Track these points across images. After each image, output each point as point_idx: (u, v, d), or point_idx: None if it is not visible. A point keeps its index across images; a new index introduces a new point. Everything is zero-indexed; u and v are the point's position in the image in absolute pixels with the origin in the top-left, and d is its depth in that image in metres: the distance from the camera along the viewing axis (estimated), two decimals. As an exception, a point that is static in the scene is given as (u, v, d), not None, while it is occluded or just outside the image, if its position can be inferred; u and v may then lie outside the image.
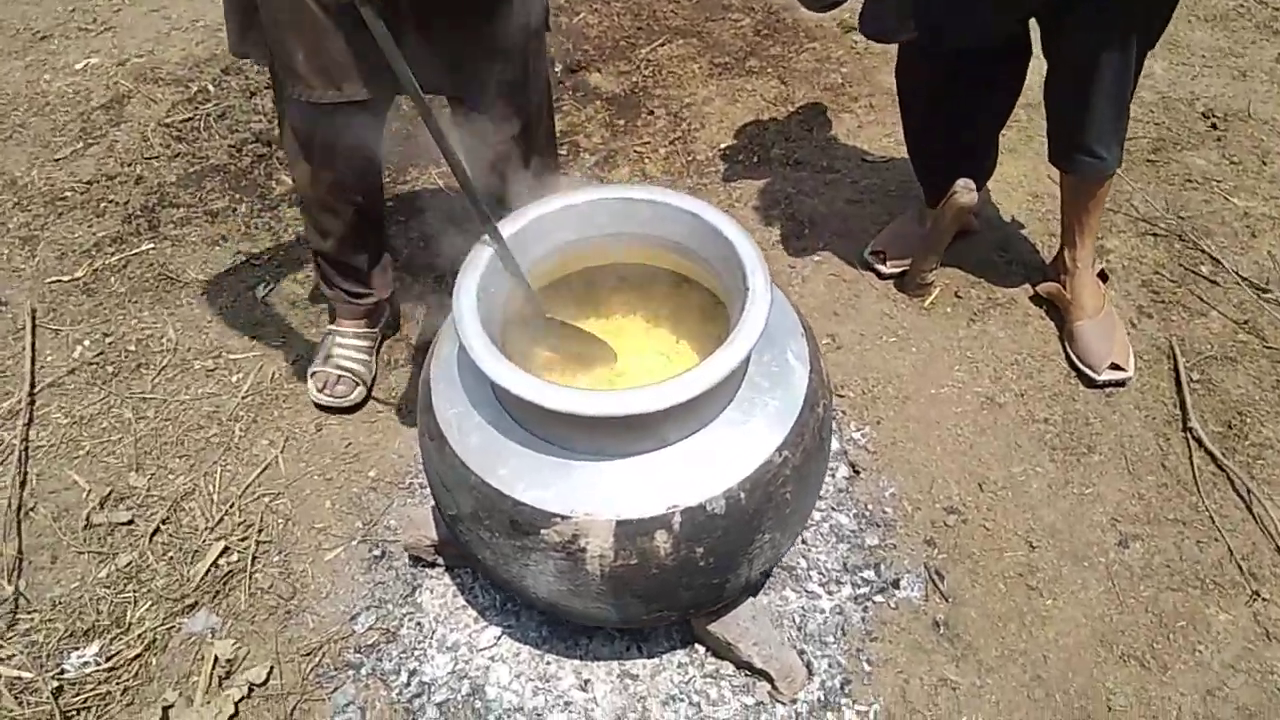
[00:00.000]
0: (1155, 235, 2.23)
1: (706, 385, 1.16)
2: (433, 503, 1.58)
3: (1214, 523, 1.70)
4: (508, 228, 1.36)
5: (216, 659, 1.59)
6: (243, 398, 2.01)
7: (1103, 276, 2.03)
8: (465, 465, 1.29)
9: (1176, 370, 1.93)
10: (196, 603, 1.68)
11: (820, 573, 1.67)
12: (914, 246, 2.13)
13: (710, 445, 1.26)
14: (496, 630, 1.61)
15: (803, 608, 1.63)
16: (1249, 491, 1.73)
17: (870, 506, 1.77)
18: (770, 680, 1.51)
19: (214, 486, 1.85)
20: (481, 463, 1.28)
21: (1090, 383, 1.92)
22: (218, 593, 1.69)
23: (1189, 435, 1.83)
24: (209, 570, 1.72)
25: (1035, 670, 1.54)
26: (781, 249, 2.28)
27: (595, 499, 1.23)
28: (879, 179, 2.45)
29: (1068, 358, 1.97)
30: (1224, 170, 2.37)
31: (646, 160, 2.60)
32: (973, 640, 1.59)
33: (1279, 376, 1.92)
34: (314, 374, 1.98)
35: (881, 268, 2.16)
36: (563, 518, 1.23)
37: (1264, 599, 1.60)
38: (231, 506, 1.82)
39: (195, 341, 2.15)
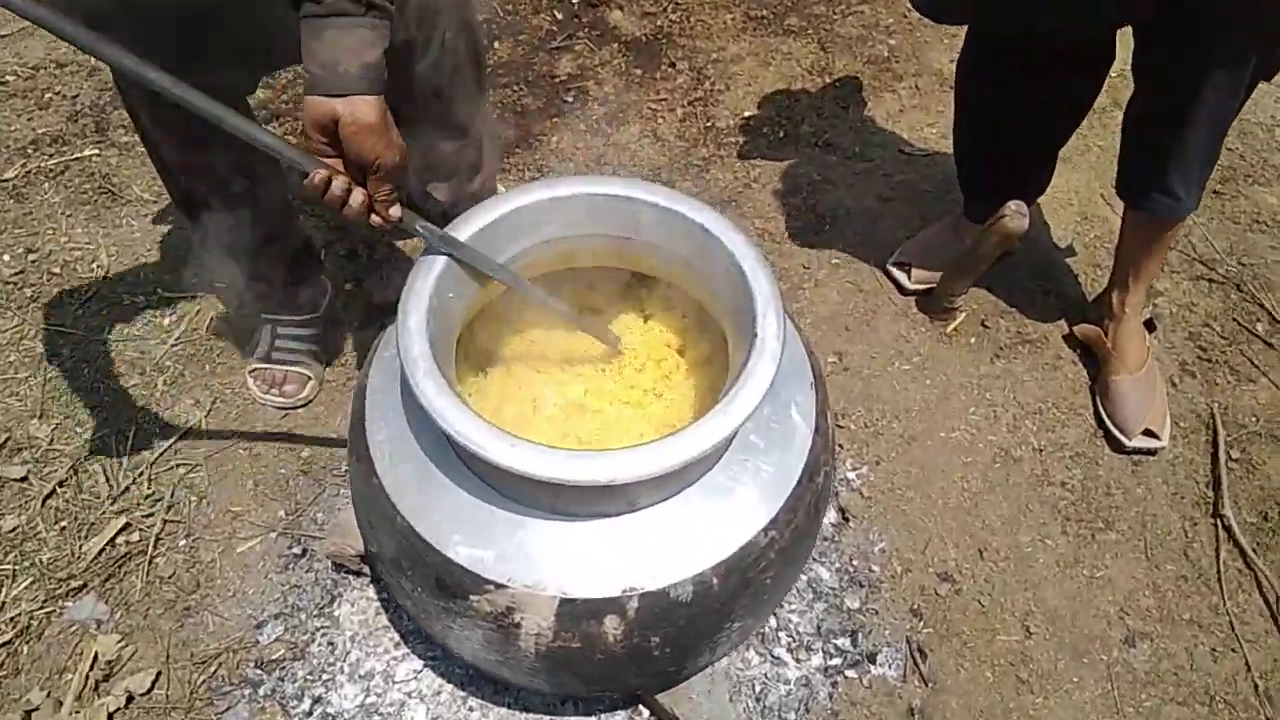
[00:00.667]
0: (1211, 281, 2.00)
1: (695, 454, 0.94)
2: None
3: (1233, 630, 1.52)
4: (477, 220, 1.12)
5: (97, 657, 1.40)
6: (172, 345, 1.78)
7: (1149, 325, 1.81)
8: (391, 503, 1.08)
9: (1215, 445, 1.73)
10: (84, 585, 1.48)
11: (791, 635, 1.48)
12: (944, 262, 1.89)
13: (685, 516, 1.05)
14: (418, 662, 1.42)
15: (765, 675, 1.44)
16: (1278, 599, 1.54)
17: (856, 561, 1.58)
18: (719, 761, 1.33)
19: (125, 447, 1.64)
20: (411, 503, 1.07)
21: (1119, 447, 1.71)
22: (110, 576, 1.49)
23: (1219, 523, 1.63)
24: (104, 548, 1.52)
25: (1017, 780, 1.38)
26: (795, 245, 2.04)
27: (539, 569, 1.02)
28: (916, 175, 2.19)
29: (1097, 414, 1.76)
30: (1294, 214, 2.14)
31: (660, 120, 2.33)
32: (951, 735, 1.41)
33: (1326, 465, 1.72)
34: (254, 371, 1.71)
35: (905, 282, 1.93)
36: (497, 586, 1.03)
37: (1280, 727, 1.43)
38: (141, 474, 1.60)
39: (129, 271, 1.90)
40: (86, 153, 2.14)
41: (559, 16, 2.60)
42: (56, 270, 1.90)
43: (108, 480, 1.59)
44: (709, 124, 2.32)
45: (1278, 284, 2.00)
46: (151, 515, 1.56)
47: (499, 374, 1.31)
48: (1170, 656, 1.50)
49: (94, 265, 1.92)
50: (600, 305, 1.36)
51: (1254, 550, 1.60)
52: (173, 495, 1.58)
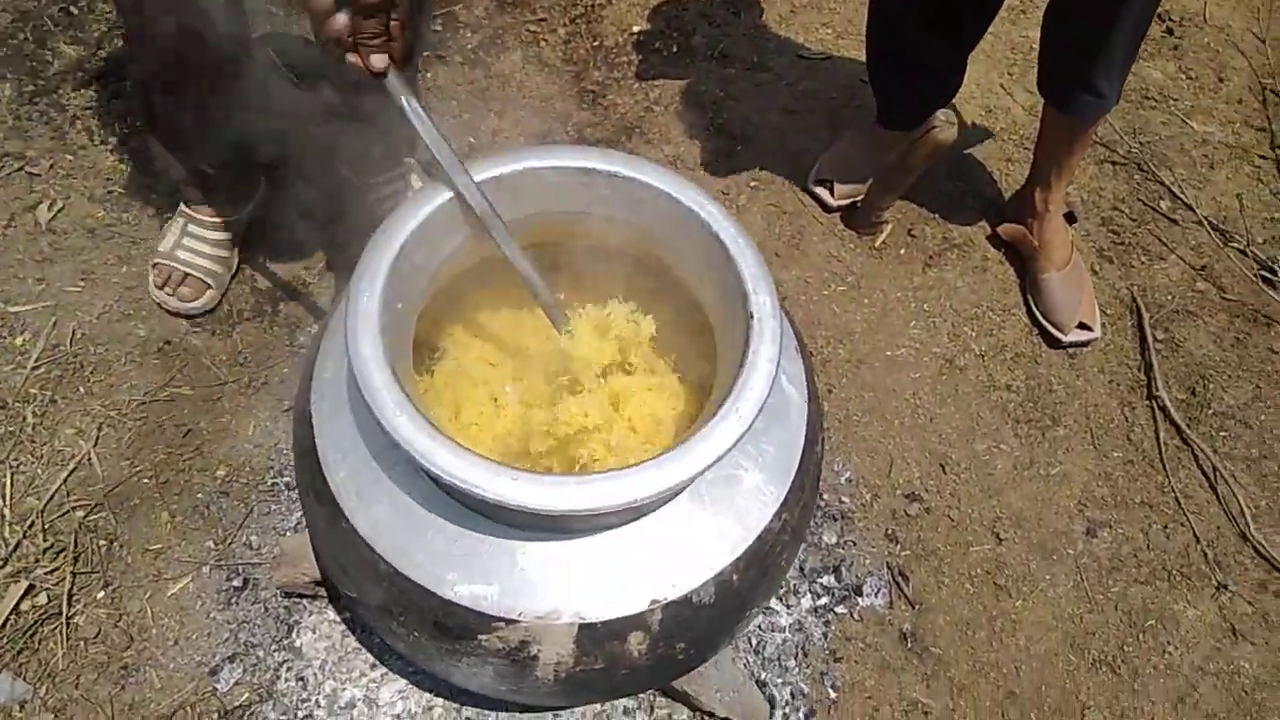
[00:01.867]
0: (1114, 164, 2.03)
1: (715, 456, 0.86)
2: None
3: (1180, 505, 1.60)
4: (411, 218, 0.97)
5: (30, 743, 1.24)
6: (33, 369, 1.54)
7: (1070, 218, 1.83)
8: (370, 547, 0.96)
9: (1141, 328, 1.78)
10: (-6, 664, 1.29)
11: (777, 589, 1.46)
12: (864, 173, 1.84)
13: (696, 516, 0.97)
14: (401, 682, 1.32)
15: (759, 626, 1.42)
16: (1214, 469, 1.63)
17: (826, 496, 1.56)
18: (731, 725, 1.31)
19: (4, 499, 1.42)
20: (393, 544, 0.95)
21: (1055, 343, 1.75)
22: (23, 649, 1.31)
23: (1154, 404, 1.70)
24: (8, 618, 1.32)
25: (1008, 685, 1.42)
26: (709, 170, 1.94)
27: (550, 596, 0.93)
28: (818, 82, 2.11)
29: (1030, 313, 1.78)
30: (1181, 87, 2.18)
31: (542, 43, 2.14)
32: (942, 653, 1.44)
33: (1237, 334, 1.81)
34: (156, 265, 1.60)
35: (829, 199, 1.87)
36: (507, 621, 0.93)
37: (1229, 591, 1.52)
38: (31, 526, 1.40)
39: (-42, 287, 1.62)
40: None
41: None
42: None
43: (-7, 539, 1.38)
44: (596, 43, 2.15)
45: (1174, 159, 2.06)
46: (56, 570, 1.37)
47: (447, 370, 1.18)
48: (1129, 540, 1.56)
49: (-86, 284, 1.62)
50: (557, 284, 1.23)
51: (1187, 425, 1.67)
52: (76, 544, 1.39)
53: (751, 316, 0.94)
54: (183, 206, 1.63)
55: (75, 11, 2.01)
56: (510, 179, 1.02)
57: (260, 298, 1.66)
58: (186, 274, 1.60)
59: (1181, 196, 1.98)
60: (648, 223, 1.04)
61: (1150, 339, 1.76)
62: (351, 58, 0.91)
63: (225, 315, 1.63)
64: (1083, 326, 1.73)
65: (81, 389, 1.53)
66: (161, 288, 1.59)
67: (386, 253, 0.94)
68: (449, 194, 0.99)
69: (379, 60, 0.91)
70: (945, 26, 1.61)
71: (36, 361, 1.55)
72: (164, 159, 1.61)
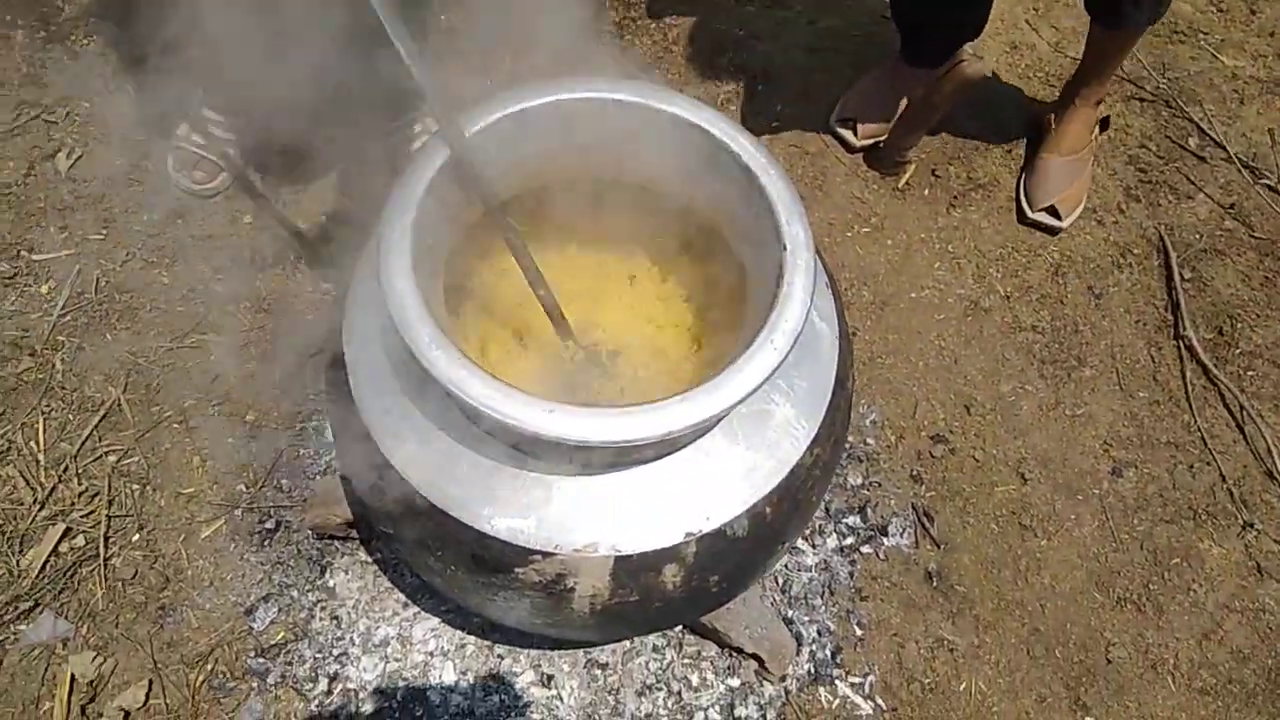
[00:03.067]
0: (1142, 100, 1.99)
1: (750, 387, 0.86)
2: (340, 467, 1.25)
3: (1206, 445, 1.59)
4: (434, 159, 0.96)
5: (74, 679, 1.26)
6: (59, 316, 1.55)
7: (1104, 124, 1.83)
8: (406, 481, 0.96)
9: (1168, 267, 1.76)
10: (36, 604, 1.32)
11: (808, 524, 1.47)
12: (887, 112, 1.81)
13: (729, 449, 0.98)
14: (433, 620, 1.34)
15: (786, 566, 1.43)
16: (1240, 408, 1.62)
17: (851, 437, 1.56)
18: (759, 660, 1.33)
19: (37, 444, 1.43)
20: (429, 479, 0.96)
21: (1021, 217, 1.80)
22: (64, 588, 1.33)
23: (1181, 344, 1.69)
24: (48, 560, 1.35)
25: (1033, 623, 1.43)
26: (732, 110, 1.91)
27: (587, 529, 0.94)
28: (840, 20, 2.06)
29: (1016, 187, 1.82)
30: (1211, 20, 2.13)
31: (558, -18, 2.09)
32: (967, 592, 1.45)
33: (1266, 272, 1.78)
34: (176, 148, 1.68)
35: (852, 139, 1.84)
36: (545, 554, 0.94)
37: (1255, 530, 1.52)
38: (65, 471, 1.41)
39: (-18, 235, 1.62)
40: (-114, 95, 1.78)
41: None
42: (-109, 245, 1.61)
43: (29, 484, 1.40)
44: (613, -18, 2.11)
45: (1202, 95, 2.02)
46: (92, 514, 1.39)
47: (474, 310, 1.18)
48: (1154, 480, 1.56)
49: (-63, 233, 1.62)
50: (560, 229, 1.22)
51: (1214, 365, 1.66)
52: (110, 488, 1.41)
53: (785, 249, 0.93)
54: (201, 86, 1.67)
55: (84, -44, 1.98)
56: (534, 111, 1.01)
57: (283, 245, 1.66)
58: (200, 158, 1.66)
59: (1210, 133, 1.94)
60: (676, 156, 1.03)
61: (1178, 278, 1.74)
62: None
63: (249, 262, 1.63)
64: (1051, 211, 1.76)
65: (109, 336, 1.54)
66: (178, 171, 1.67)
67: (416, 188, 0.93)
68: (477, 127, 0.98)
69: None
70: None
71: (63, 309, 1.55)
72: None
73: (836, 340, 1.07)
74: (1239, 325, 1.72)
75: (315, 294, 1.61)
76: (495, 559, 0.96)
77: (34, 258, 1.60)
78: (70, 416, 1.47)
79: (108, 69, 1.81)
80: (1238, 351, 1.69)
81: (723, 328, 1.15)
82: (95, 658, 1.28)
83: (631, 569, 0.96)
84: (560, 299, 1.07)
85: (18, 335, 1.52)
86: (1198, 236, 1.82)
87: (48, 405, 1.47)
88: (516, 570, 0.96)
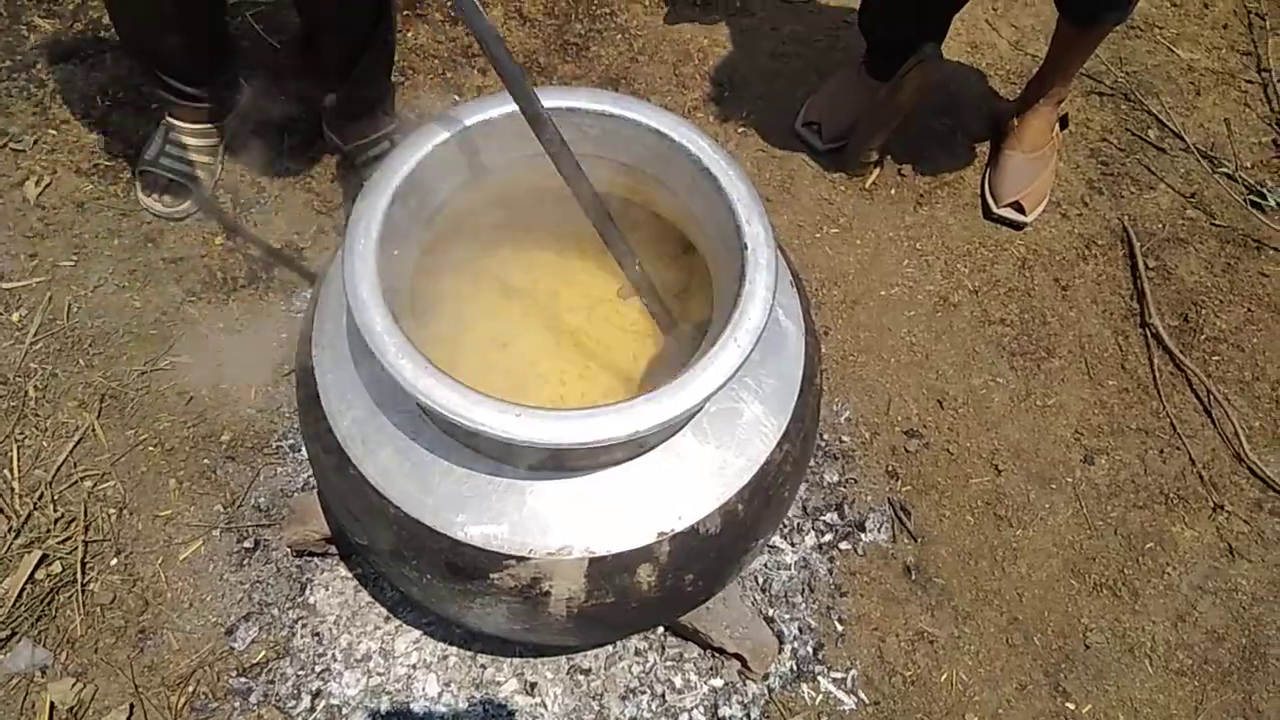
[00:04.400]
0: (1101, 95, 2.03)
1: (715, 386, 0.87)
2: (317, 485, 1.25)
3: (1175, 430, 1.62)
4: (401, 166, 0.97)
5: (53, 707, 1.26)
6: (31, 344, 1.54)
7: (1064, 122, 1.86)
8: (379, 492, 0.97)
9: (1132, 256, 1.79)
10: (13, 632, 1.31)
11: (782, 521, 1.48)
12: (852, 114, 1.84)
13: (699, 449, 0.99)
14: (414, 632, 1.34)
15: (765, 565, 1.44)
16: (1208, 393, 1.65)
17: (826, 435, 1.57)
18: (742, 660, 1.33)
19: (11, 472, 1.43)
20: (402, 489, 0.96)
21: (987, 213, 1.83)
22: (40, 615, 1.33)
23: (1147, 332, 1.71)
24: (24, 587, 1.34)
25: (1011, 612, 1.45)
26: (699, 117, 1.93)
27: (560, 532, 0.95)
28: (802, 25, 2.09)
29: (981, 185, 1.86)
30: (1166, 14, 2.17)
31: (522, -3, 2.12)
32: (946, 584, 1.46)
33: (1227, 259, 1.82)
34: (143, 172, 1.69)
35: (817, 142, 1.87)
36: (519, 559, 0.95)
37: (1225, 511, 1.55)
38: (41, 498, 1.41)
39: (-50, 266, 1.62)
40: None
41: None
42: None
43: (3, 513, 1.39)
44: (577, -6, 2.13)
45: (1159, 87, 2.05)
46: (69, 540, 1.38)
47: (444, 318, 1.18)
48: (1126, 466, 1.59)
49: (-95, 265, 1.62)
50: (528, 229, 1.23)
51: (1180, 351, 1.69)
52: (87, 513, 1.40)
53: (746, 247, 0.94)
54: (166, 116, 1.69)
55: (48, -16, 1.98)
56: (500, 122, 1.02)
57: (254, 265, 1.66)
58: (170, 180, 1.67)
59: (1169, 125, 1.98)
60: (638, 161, 1.04)
61: (1142, 267, 1.77)
62: None
63: (220, 283, 1.63)
64: (1016, 207, 1.79)
65: (81, 361, 1.54)
66: (148, 195, 1.67)
67: (381, 197, 0.94)
68: (441, 138, 0.99)
69: None
70: None
71: (35, 336, 1.55)
72: (144, 75, 1.67)
73: (803, 337, 1.08)
74: (1203, 312, 1.75)
75: (288, 312, 1.62)
76: (470, 566, 0.96)
77: (3, 285, 1.59)
78: (45, 443, 1.46)
79: (74, 96, 1.82)
80: (1203, 337, 1.72)
81: (685, 331, 1.16)
82: (75, 684, 1.27)
83: (606, 570, 0.97)
84: (536, 304, 1.08)
85: (-11, 364, 1.52)
86: (1160, 226, 1.85)
87: (21, 432, 1.46)
88: (491, 576, 0.96)
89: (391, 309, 0.89)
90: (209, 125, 1.70)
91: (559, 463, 0.95)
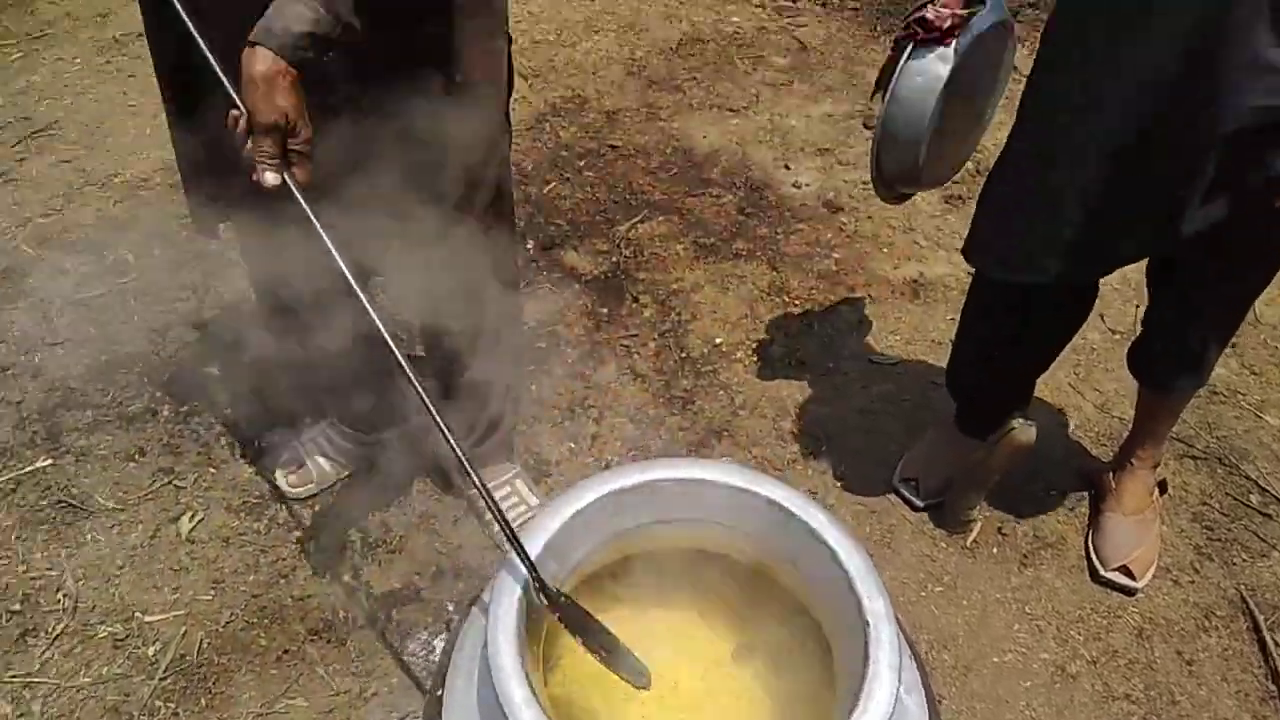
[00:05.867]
0: (1194, 459, 2.07)
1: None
2: None
3: (1342, 834, 1.46)
4: (543, 530, 1.06)
5: None
6: (160, 679, 1.60)
7: (1162, 487, 1.88)
8: None
9: (1258, 631, 1.73)
10: None
11: None
12: (948, 471, 1.91)
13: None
14: None
15: None
16: (1371, 791, 1.50)
17: (948, 820, 1.47)
18: None
19: (119, 817, 1.43)
20: None
21: (1094, 576, 1.81)
22: None
23: (1288, 715, 1.61)
24: None
25: None
26: (797, 470, 2.03)
27: None
28: (892, 385, 2.25)
29: (1085, 548, 1.85)
30: (1247, 382, 2.26)
31: (635, 355, 2.35)
32: None
33: (1361, 633, 1.73)
34: (285, 461, 1.92)
35: (915, 499, 1.93)
36: None
37: None
38: None
39: (100, 597, 1.73)
40: (39, 464, 2.00)
41: (517, 263, 2.66)
42: (16, 607, 1.72)
43: None
44: (683, 354, 2.36)
45: (1253, 452, 2.09)
46: None
47: (557, 681, 1.21)
48: None
49: (59, 595, 1.74)
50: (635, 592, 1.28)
51: (1329, 739, 1.57)
52: None
53: (868, 624, 0.98)
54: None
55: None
56: (634, 490, 1.13)
57: (374, 604, 1.73)
58: (301, 466, 1.88)
59: (1270, 490, 1.99)
60: (759, 530, 1.12)
61: (1270, 643, 1.70)
62: (254, 176, 1.06)
63: (341, 622, 1.70)
64: (1124, 571, 1.76)
65: (203, 700, 1.58)
66: (279, 470, 1.89)
67: (522, 564, 1.02)
68: (578, 507, 1.09)
69: (270, 176, 1.06)
70: (1031, 343, 1.76)
71: (165, 673, 1.61)
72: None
73: (924, 707, 1.07)
74: (1346, 694, 1.64)
75: (404, 655, 1.66)
76: None
77: (146, 619, 1.69)
78: (153, 786, 1.47)
79: (237, 438, 2.03)
80: (1352, 723, 1.60)
81: (800, 698, 1.16)
82: None
83: None
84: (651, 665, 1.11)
85: (118, 700, 1.57)
86: (1280, 596, 1.80)
87: (134, 775, 1.48)
88: None
89: (529, 679, 0.93)
90: (362, 432, 1.91)
91: None
